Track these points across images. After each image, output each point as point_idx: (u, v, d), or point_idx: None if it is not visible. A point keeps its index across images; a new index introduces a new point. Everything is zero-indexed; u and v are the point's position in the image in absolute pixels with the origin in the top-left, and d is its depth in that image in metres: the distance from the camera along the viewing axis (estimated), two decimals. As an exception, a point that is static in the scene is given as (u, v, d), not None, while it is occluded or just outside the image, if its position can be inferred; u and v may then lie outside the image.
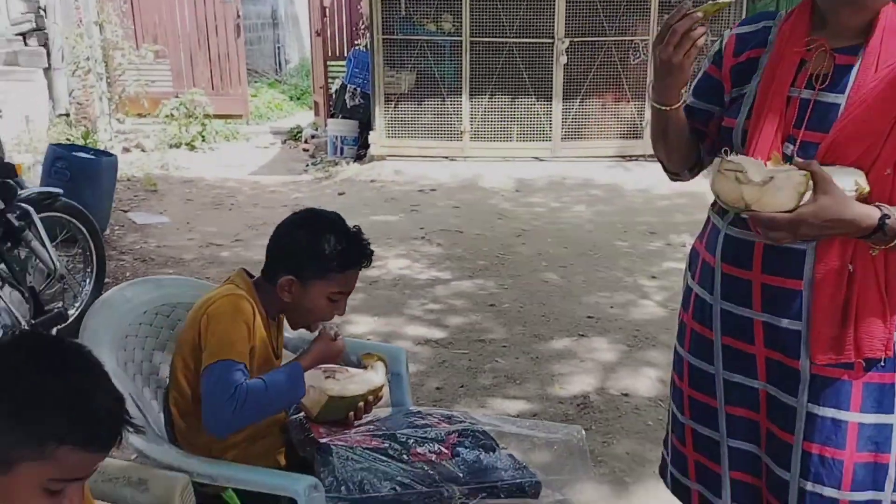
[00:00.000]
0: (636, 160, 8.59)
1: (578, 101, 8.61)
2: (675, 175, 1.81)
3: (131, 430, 1.10)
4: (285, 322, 1.93)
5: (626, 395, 3.48)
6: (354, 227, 1.87)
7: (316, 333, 1.86)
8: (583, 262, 5.50)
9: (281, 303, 1.83)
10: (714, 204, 1.67)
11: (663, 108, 1.59)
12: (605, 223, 6.57)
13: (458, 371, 3.73)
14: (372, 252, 1.87)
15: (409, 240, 6.02)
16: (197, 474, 1.55)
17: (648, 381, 3.63)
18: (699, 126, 1.69)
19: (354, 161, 8.98)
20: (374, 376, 1.91)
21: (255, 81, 13.60)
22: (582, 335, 4.18)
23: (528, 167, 8.48)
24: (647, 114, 8.56)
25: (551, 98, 8.55)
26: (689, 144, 1.70)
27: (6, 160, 3.37)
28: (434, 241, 6.03)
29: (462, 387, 3.56)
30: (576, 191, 7.81)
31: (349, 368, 1.93)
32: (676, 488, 1.85)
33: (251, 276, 1.87)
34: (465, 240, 6.06)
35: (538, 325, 4.32)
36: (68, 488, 1.05)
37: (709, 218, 1.71)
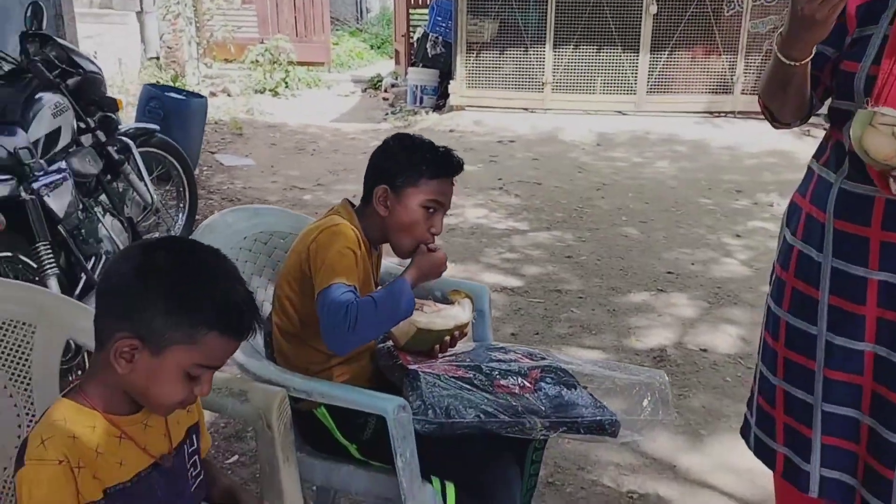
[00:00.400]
0: (725, 116, 8.31)
1: (666, 53, 8.35)
2: (783, 125, 1.71)
3: (259, 325, 1.19)
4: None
5: (704, 350, 3.44)
6: (442, 148, 1.87)
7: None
8: (664, 218, 5.41)
9: (382, 228, 1.85)
10: (819, 156, 1.60)
11: (792, 63, 1.47)
12: (688, 180, 6.41)
13: (533, 319, 3.75)
14: (462, 162, 1.87)
15: (486, 190, 6.03)
16: (293, 389, 1.63)
17: (729, 338, 3.58)
18: (814, 72, 1.56)
19: (434, 111, 8.98)
20: (461, 312, 1.93)
21: (337, 29, 13.69)
22: (661, 290, 4.13)
23: (611, 121, 8.32)
24: (739, 68, 8.24)
25: (638, 49, 8.32)
26: (806, 95, 1.58)
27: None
28: (512, 192, 6.02)
29: (537, 334, 3.58)
30: (659, 146, 7.63)
31: (437, 303, 1.97)
32: (760, 450, 1.79)
33: (353, 205, 1.90)
34: (544, 192, 6.02)
35: (616, 279, 4.29)
36: (204, 376, 1.15)
37: (813, 171, 1.61)
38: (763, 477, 2.54)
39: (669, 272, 4.38)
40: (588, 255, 4.67)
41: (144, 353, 1.12)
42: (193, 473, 1.29)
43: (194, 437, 1.30)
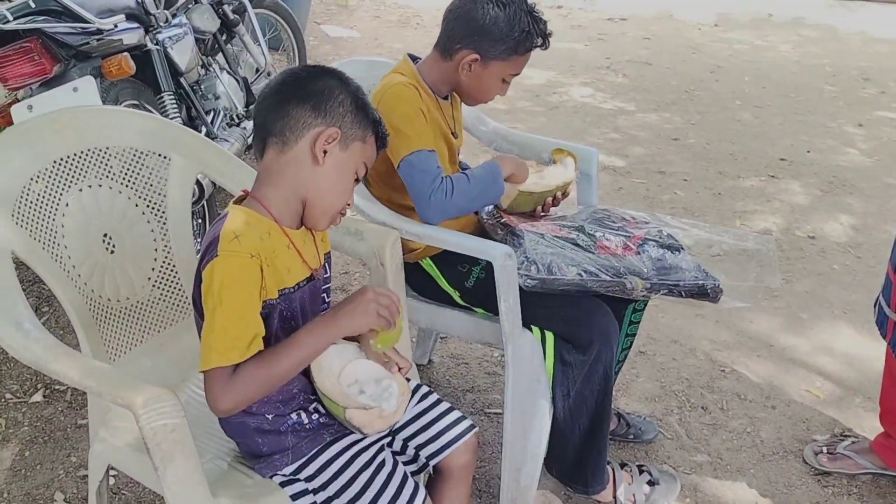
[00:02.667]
0: (865, 2, 7.63)
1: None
2: None
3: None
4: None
5: (812, 237, 3.34)
6: (533, 3, 1.78)
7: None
8: (782, 103, 5.13)
9: (453, 81, 1.82)
10: None
11: None
12: (812, 65, 6.01)
13: (634, 198, 3.70)
14: (551, 34, 1.82)
15: (593, 69, 5.83)
16: (406, 231, 1.70)
17: (840, 226, 3.45)
18: None
19: (542, -14, 8.62)
20: (564, 171, 1.92)
21: None
22: (772, 176, 3.98)
23: (732, 1, 7.79)
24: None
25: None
26: None
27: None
28: (620, 71, 5.80)
29: (638, 213, 3.54)
30: (783, 29, 7.13)
31: (539, 164, 1.96)
32: (879, 318, 1.86)
33: (415, 59, 1.86)
34: (654, 72, 5.78)
35: (724, 163, 4.15)
36: (361, 178, 1.33)
37: None
38: (860, 361, 2.53)
39: (783, 158, 4.20)
40: (696, 138, 4.51)
41: (337, 147, 1.26)
42: (326, 299, 1.39)
43: (327, 264, 1.39)
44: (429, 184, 1.66)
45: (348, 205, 1.32)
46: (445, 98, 1.88)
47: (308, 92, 1.25)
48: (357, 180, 1.32)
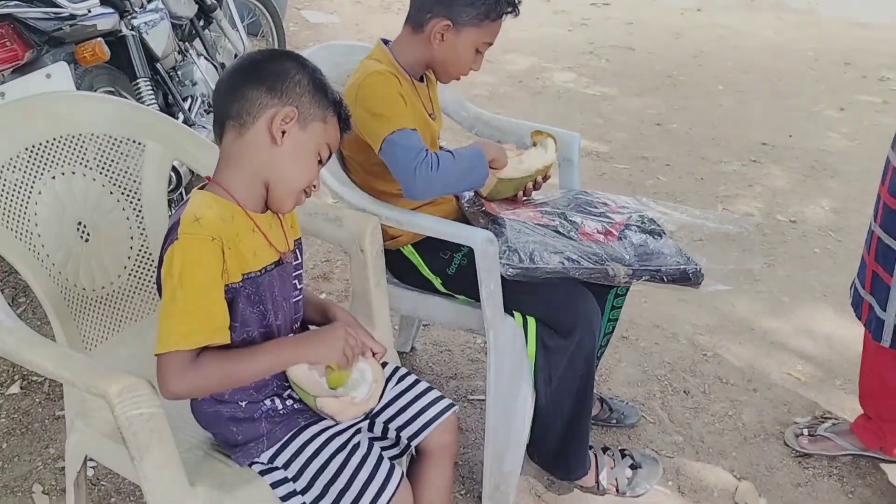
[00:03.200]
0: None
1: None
2: None
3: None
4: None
5: (793, 221, 3.35)
6: None
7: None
8: (764, 88, 5.14)
9: (426, 56, 1.79)
10: None
11: None
12: (794, 50, 6.03)
13: (617, 183, 3.70)
14: (520, 2, 1.79)
15: (577, 54, 5.82)
16: (385, 217, 1.68)
17: (821, 210, 3.46)
18: None
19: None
20: (544, 154, 1.90)
21: None
22: (754, 161, 3.99)
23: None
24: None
25: None
26: None
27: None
28: (603, 56, 5.80)
29: (621, 198, 3.54)
30: (766, 14, 7.15)
31: (518, 147, 1.94)
32: (855, 300, 1.87)
33: (387, 41, 1.83)
34: (637, 57, 5.78)
35: (706, 148, 4.16)
36: (321, 164, 1.32)
37: None
38: (841, 344, 2.55)
39: (765, 143, 4.21)
40: (679, 123, 4.51)
41: (295, 127, 1.24)
42: (297, 285, 1.37)
43: (298, 250, 1.38)
44: (412, 158, 1.63)
45: (314, 186, 1.30)
46: (421, 80, 1.86)
47: (264, 73, 1.24)
48: (321, 162, 1.30)
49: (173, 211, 1.30)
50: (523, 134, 2.12)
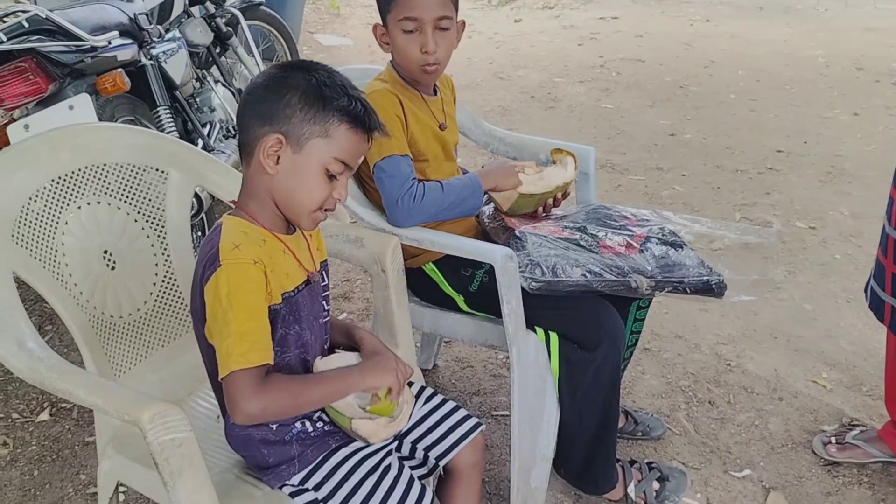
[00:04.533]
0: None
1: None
2: None
3: (380, 127, 1.28)
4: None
5: (813, 227, 3.33)
6: None
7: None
8: (776, 95, 5.13)
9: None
10: None
11: None
12: (805, 57, 6.02)
13: (633, 195, 3.70)
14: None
15: (587, 68, 5.84)
16: (406, 237, 1.69)
17: (840, 216, 3.44)
18: None
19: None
20: (563, 171, 1.92)
21: None
22: (770, 168, 3.98)
23: (722, -5, 7.81)
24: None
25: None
26: None
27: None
28: (614, 69, 5.81)
29: (638, 210, 3.54)
30: (774, 21, 7.14)
31: (539, 164, 1.96)
32: (874, 302, 1.85)
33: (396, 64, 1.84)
34: (647, 69, 5.79)
35: (721, 157, 4.15)
36: (340, 178, 1.25)
37: None
38: (865, 350, 2.53)
39: (780, 150, 4.20)
40: (693, 133, 4.51)
41: (288, 151, 1.21)
42: (325, 306, 1.39)
43: (324, 272, 1.39)
44: (397, 188, 1.67)
45: (333, 205, 1.28)
46: (435, 94, 1.88)
47: (258, 100, 1.23)
48: (332, 176, 1.24)
49: (199, 236, 1.32)
50: (538, 150, 2.13)
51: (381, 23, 1.79)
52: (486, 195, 1.89)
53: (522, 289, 1.68)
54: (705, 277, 1.75)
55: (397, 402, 1.30)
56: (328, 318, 1.40)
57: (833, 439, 2.07)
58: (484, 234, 1.90)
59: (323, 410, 1.32)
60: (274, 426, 1.29)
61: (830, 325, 2.65)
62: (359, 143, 1.25)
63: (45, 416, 2.21)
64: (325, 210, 1.28)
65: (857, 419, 2.21)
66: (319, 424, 1.32)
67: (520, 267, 1.67)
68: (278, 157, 1.22)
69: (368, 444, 1.30)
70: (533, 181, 1.85)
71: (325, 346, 1.41)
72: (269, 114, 1.21)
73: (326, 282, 1.40)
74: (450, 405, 1.46)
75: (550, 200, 1.90)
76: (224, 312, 1.16)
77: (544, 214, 1.93)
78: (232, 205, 1.32)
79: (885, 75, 5.45)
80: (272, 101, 1.21)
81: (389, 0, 1.73)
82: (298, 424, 1.31)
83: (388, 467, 1.29)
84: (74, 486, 1.97)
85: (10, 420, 2.20)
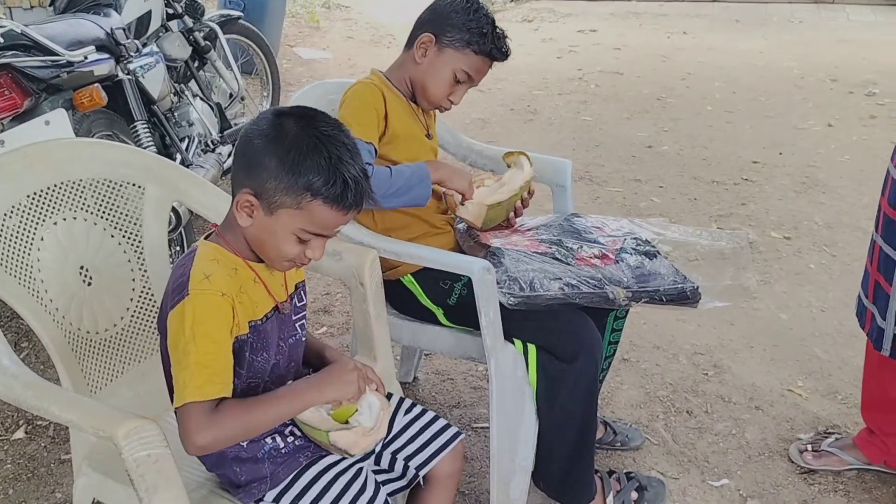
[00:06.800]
0: (829, 4, 7.78)
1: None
2: None
3: (372, 201, 1.25)
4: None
5: (787, 238, 3.38)
6: (500, 29, 1.82)
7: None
8: (752, 107, 5.20)
9: (410, 73, 1.84)
10: None
11: None
12: (780, 69, 6.10)
13: (611, 206, 3.74)
14: (509, 54, 1.83)
15: (566, 80, 5.89)
16: (384, 250, 1.70)
17: (814, 226, 3.49)
18: None
19: (511, 1, 8.71)
20: (521, 171, 1.92)
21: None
22: (745, 179, 4.03)
23: (698, 7, 7.91)
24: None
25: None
26: None
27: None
28: (592, 82, 5.86)
29: (616, 221, 3.57)
30: (750, 34, 7.24)
31: (495, 173, 1.96)
32: (859, 310, 1.90)
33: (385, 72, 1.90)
34: (625, 82, 5.85)
35: (698, 168, 4.20)
36: (314, 241, 1.22)
37: None
38: (840, 359, 2.56)
39: (755, 161, 4.26)
40: (670, 144, 4.56)
41: (260, 211, 1.19)
42: (298, 326, 1.39)
43: (302, 292, 1.39)
44: None
45: (307, 262, 1.25)
46: (416, 103, 1.91)
47: (245, 149, 1.20)
48: (303, 241, 1.21)
49: (177, 251, 1.32)
50: (496, 157, 2.15)
51: (431, 34, 1.80)
52: (458, 217, 1.90)
53: (502, 306, 1.69)
54: (680, 285, 1.77)
55: (355, 405, 1.29)
56: (301, 338, 1.40)
57: (809, 447, 2.10)
58: (462, 249, 1.91)
59: (297, 425, 1.32)
60: (245, 443, 1.29)
61: (805, 335, 2.69)
62: (335, 217, 1.19)
63: (20, 433, 2.19)
64: (299, 265, 1.27)
65: (833, 427, 2.23)
66: (291, 439, 1.32)
67: (498, 283, 1.67)
68: (251, 214, 1.21)
69: (350, 456, 1.30)
70: (495, 190, 1.87)
71: (294, 367, 1.40)
72: (249, 170, 1.19)
73: (303, 302, 1.40)
74: (429, 415, 1.47)
75: (519, 202, 1.91)
76: (185, 343, 1.16)
77: (516, 221, 1.94)
78: (213, 227, 1.31)
79: (858, 86, 5.54)
80: (253, 156, 1.18)
81: (465, 44, 1.78)
82: (269, 440, 1.31)
83: (363, 486, 1.29)
84: (50, 504, 1.95)
85: (-16, 438, 2.17)
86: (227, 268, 1.23)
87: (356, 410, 1.30)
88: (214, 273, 1.20)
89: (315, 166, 1.15)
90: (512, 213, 1.91)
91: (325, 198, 1.16)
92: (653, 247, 1.85)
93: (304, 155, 1.15)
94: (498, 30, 1.82)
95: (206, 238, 1.30)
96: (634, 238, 1.87)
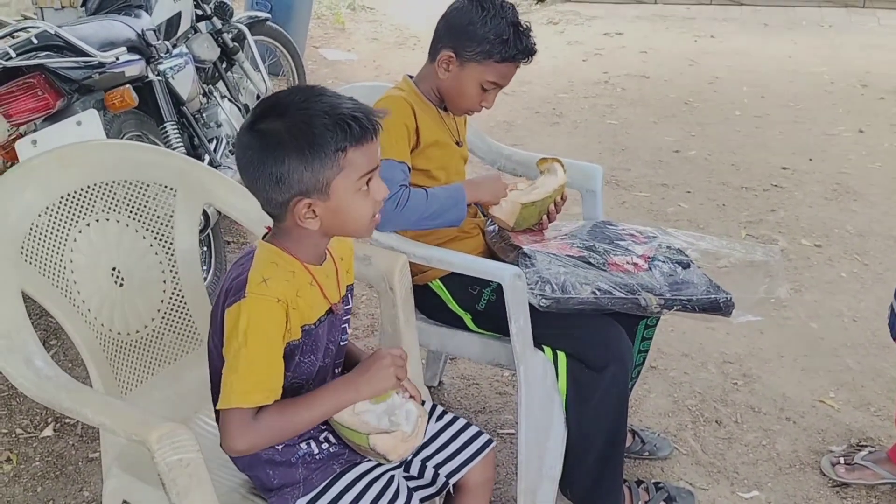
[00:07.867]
0: (859, 9, 7.66)
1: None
2: None
3: (376, 126, 1.21)
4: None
5: (818, 245, 3.33)
6: (525, 23, 1.79)
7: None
8: (781, 112, 5.13)
9: (437, 84, 1.82)
10: None
11: None
12: (809, 73, 6.02)
13: (639, 212, 3.70)
14: (534, 51, 1.80)
15: (592, 84, 5.85)
16: (414, 255, 1.69)
17: (846, 234, 3.44)
18: None
19: (536, 3, 8.68)
20: (554, 177, 1.91)
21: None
22: (775, 185, 3.98)
23: (726, 10, 7.83)
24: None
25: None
26: None
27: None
28: (618, 85, 5.82)
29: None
30: (779, 38, 7.15)
31: (529, 179, 1.95)
32: (891, 319, 1.85)
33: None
34: (652, 85, 5.80)
35: (727, 173, 4.15)
36: (370, 183, 1.23)
37: None
38: (873, 370, 2.52)
39: (785, 167, 4.20)
40: (698, 149, 4.52)
41: (318, 203, 1.20)
42: (345, 328, 1.39)
43: (350, 294, 1.39)
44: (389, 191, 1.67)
45: (381, 204, 1.28)
46: (445, 110, 1.90)
47: (255, 163, 1.21)
48: (366, 184, 1.23)
49: (205, 252, 1.30)
50: (526, 163, 2.14)
51: (451, 52, 1.77)
52: (489, 218, 1.90)
53: (530, 307, 1.67)
54: (714, 296, 1.75)
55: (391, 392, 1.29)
56: (346, 340, 1.40)
57: (842, 460, 2.06)
58: (491, 254, 1.90)
59: (332, 431, 1.31)
60: (280, 447, 1.29)
61: (837, 344, 2.64)
62: (370, 151, 1.21)
63: (48, 431, 2.20)
64: (376, 215, 1.28)
65: (866, 439, 2.19)
66: (325, 445, 1.32)
67: (529, 284, 1.67)
68: (314, 212, 1.21)
69: (387, 462, 1.28)
70: (529, 191, 1.87)
71: (339, 369, 1.40)
72: (276, 178, 1.17)
73: (350, 305, 1.40)
74: (461, 422, 1.45)
75: (552, 206, 1.90)
76: (238, 346, 1.16)
77: (549, 225, 1.92)
78: (267, 230, 1.30)
79: (889, 92, 5.46)
80: (272, 166, 1.17)
81: (485, 56, 1.75)
82: (304, 445, 1.30)
83: (396, 494, 1.28)
84: (77, 503, 1.96)
85: (13, 435, 2.19)
86: (285, 271, 1.23)
87: (391, 395, 1.29)
88: (272, 277, 1.20)
89: (327, 126, 1.17)
90: (545, 217, 1.90)
91: (352, 144, 1.19)
92: (685, 256, 1.83)
93: (308, 129, 1.16)
94: (521, 27, 1.77)
95: (264, 239, 1.29)
96: (668, 246, 1.85)
